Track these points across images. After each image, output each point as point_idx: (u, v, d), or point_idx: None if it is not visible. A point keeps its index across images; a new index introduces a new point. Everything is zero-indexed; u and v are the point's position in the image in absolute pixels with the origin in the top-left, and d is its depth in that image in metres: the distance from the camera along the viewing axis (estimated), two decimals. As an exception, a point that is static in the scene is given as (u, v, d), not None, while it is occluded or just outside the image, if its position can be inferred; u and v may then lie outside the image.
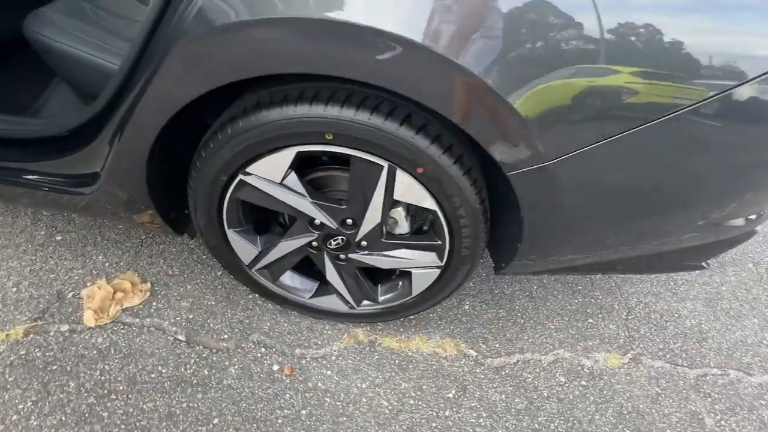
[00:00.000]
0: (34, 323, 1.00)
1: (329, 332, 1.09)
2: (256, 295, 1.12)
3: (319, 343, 1.07)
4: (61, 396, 0.89)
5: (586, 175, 0.66)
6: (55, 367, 0.94)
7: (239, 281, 1.06)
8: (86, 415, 0.87)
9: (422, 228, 0.93)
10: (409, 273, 0.94)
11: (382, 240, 0.87)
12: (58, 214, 1.24)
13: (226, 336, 1.05)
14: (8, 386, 0.89)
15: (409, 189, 0.74)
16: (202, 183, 0.80)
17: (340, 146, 0.70)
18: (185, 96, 0.68)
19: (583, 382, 1.06)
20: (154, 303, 1.09)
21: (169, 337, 1.03)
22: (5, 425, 0.84)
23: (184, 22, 0.64)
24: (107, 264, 1.16)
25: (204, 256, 1.21)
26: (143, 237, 1.24)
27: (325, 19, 0.55)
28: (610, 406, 1.02)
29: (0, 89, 1.19)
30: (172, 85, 0.68)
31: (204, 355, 1.00)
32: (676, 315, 1.25)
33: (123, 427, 0.87)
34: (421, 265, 0.90)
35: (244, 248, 0.93)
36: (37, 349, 0.96)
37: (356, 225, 0.84)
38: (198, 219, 0.89)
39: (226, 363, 1.00)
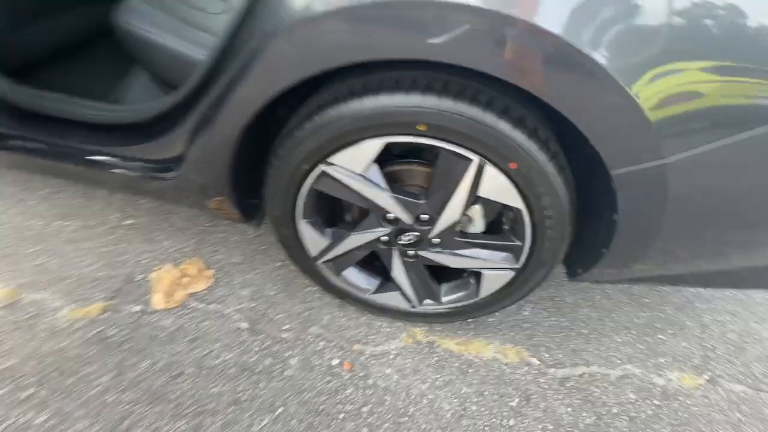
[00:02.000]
0: (109, 302, 1.04)
1: (387, 330, 1.08)
2: (314, 288, 1.12)
3: (378, 340, 1.05)
4: (134, 375, 0.92)
5: (699, 177, 0.62)
6: (128, 346, 0.97)
7: (302, 272, 1.07)
8: (158, 394, 0.89)
9: (498, 226, 0.90)
10: (479, 273, 0.91)
11: (456, 238, 0.85)
12: (128, 199, 1.30)
13: (286, 327, 1.05)
14: (87, 362, 0.93)
15: (496, 186, 0.72)
16: (283, 172, 0.81)
17: (432, 138, 0.68)
18: (277, 87, 0.68)
19: (656, 402, 1.00)
20: (218, 290, 1.11)
21: (232, 324, 1.04)
22: (85, 399, 0.87)
23: (281, 10, 0.64)
24: (173, 249, 1.19)
25: (263, 247, 1.23)
26: (206, 224, 1.27)
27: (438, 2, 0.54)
28: (687, 429, 0.95)
29: (84, 76, 1.26)
30: (266, 75, 0.68)
31: (266, 344, 1.01)
32: (756, 337, 1.15)
33: (193, 408, 0.88)
34: (495, 266, 0.87)
35: (314, 240, 0.93)
36: (112, 328, 0.99)
37: (432, 221, 0.82)
38: (272, 207, 0.90)
39: (287, 354, 1.00)
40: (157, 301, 1.06)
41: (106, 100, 1.15)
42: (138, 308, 1.04)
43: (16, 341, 0.94)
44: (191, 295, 1.09)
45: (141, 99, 1.09)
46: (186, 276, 1.12)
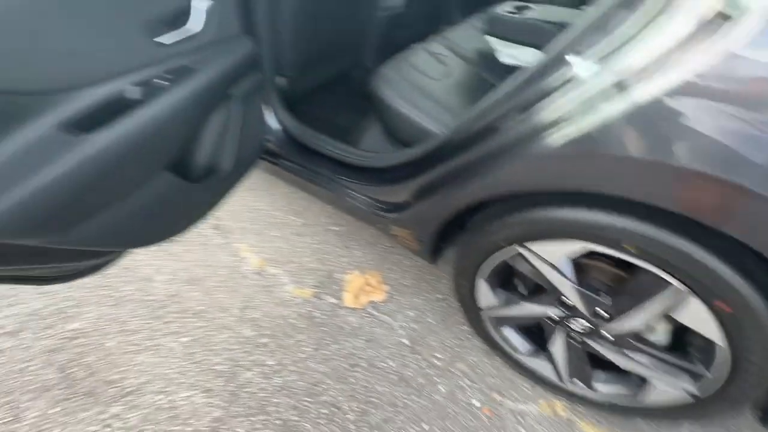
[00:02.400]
0: (316, 290, 1.40)
1: (528, 391, 1.16)
2: (469, 329, 1.27)
3: (518, 397, 1.14)
4: (327, 353, 1.23)
5: None
6: (324, 329, 1.29)
7: (464, 314, 1.23)
8: (341, 376, 1.18)
9: (683, 341, 0.88)
10: (648, 380, 0.91)
11: (631, 341, 0.88)
12: (336, 210, 1.66)
13: (439, 355, 1.23)
14: (299, 331, 1.28)
15: (695, 314, 0.73)
16: (481, 241, 0.97)
17: (636, 257, 0.74)
18: (518, 189, 0.83)
19: None
20: (390, 304, 1.36)
21: (397, 338, 1.27)
22: (296, 359, 1.21)
23: (551, 136, 0.73)
24: (362, 259, 1.49)
25: (430, 277, 1.44)
26: (388, 245, 1.54)
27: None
28: None
29: (332, 110, 1.67)
30: (511, 177, 0.82)
31: (422, 364, 1.21)
32: None
33: (361, 395, 1.14)
34: (669, 383, 0.87)
35: (486, 296, 1.07)
36: (316, 311, 1.34)
37: (611, 320, 0.87)
38: (459, 261, 1.07)
39: (437, 380, 1.18)
40: (347, 299, 1.36)
41: (347, 137, 1.51)
42: (334, 301, 1.37)
43: (261, 300, 1.35)
44: (371, 302, 1.36)
45: (374, 145, 1.40)
46: (369, 285, 1.40)
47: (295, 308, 1.34)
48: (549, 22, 1.40)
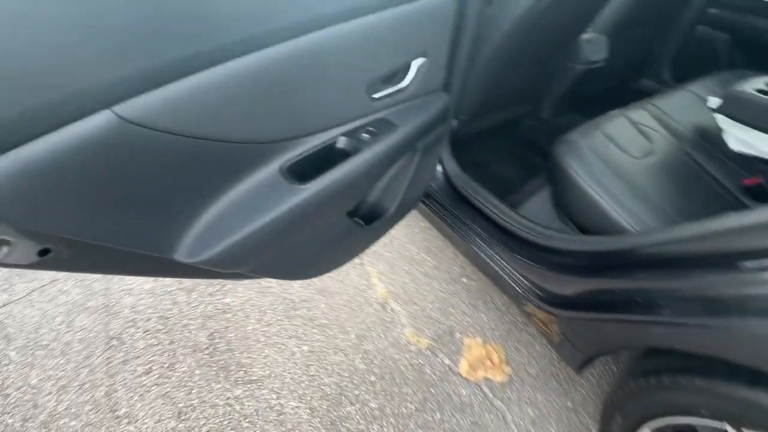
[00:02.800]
0: (432, 343, 1.34)
1: None
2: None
3: None
4: (429, 419, 1.16)
5: None
6: (432, 391, 1.22)
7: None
8: (439, 450, 1.10)
9: None
10: None
11: None
12: (468, 261, 1.58)
13: (554, 477, 1.05)
14: (407, 382, 1.24)
15: None
16: (667, 394, 0.77)
17: None
18: (739, 357, 0.64)
19: None
20: (508, 391, 1.22)
21: (508, 433, 1.13)
22: (397, 413, 1.18)
23: None
24: (487, 326, 1.38)
25: (563, 376, 1.24)
26: (519, 318, 1.39)
27: None
28: None
29: (494, 160, 1.59)
30: (734, 338, 0.64)
31: (531, 479, 1.05)
32: None
33: (457, 487, 1.04)
34: None
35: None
36: (428, 366, 1.28)
37: None
38: (624, 395, 0.87)
39: (546, 507, 1.00)
40: (463, 367, 1.27)
41: (509, 196, 1.42)
42: (448, 362, 1.29)
43: (378, 334, 1.36)
44: (487, 379, 1.24)
45: (539, 213, 1.28)
46: (489, 360, 1.28)
47: (408, 356, 1.30)
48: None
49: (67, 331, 1.29)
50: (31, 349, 1.24)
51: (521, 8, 1.12)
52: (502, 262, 1.16)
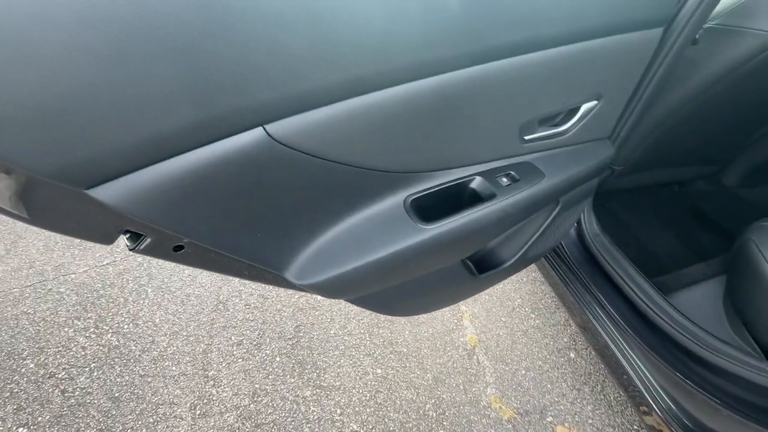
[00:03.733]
0: (516, 415, 1.16)
1: None
2: None
3: None
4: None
5: None
6: (505, 473, 1.06)
7: None
8: None
9: None
10: None
11: None
12: (582, 334, 1.34)
13: None
14: (478, 451, 1.10)
15: None
16: None
17: None
18: None
19: None
20: None
21: None
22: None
23: None
24: (590, 421, 1.14)
25: None
26: (632, 427, 1.12)
27: None
28: None
29: (644, 227, 1.32)
30: None
31: None
32: None
33: None
34: None
35: None
36: (506, 443, 1.11)
37: None
38: None
39: None
40: (548, 460, 1.07)
41: (658, 273, 1.14)
42: (532, 447, 1.10)
43: (457, 383, 1.24)
44: (576, 487, 1.02)
45: (696, 308, 1.00)
46: (584, 464, 1.05)
47: (486, 422, 1.15)
48: None
49: (191, 285, 1.48)
50: (162, 291, 1.46)
51: (739, 53, 0.88)
52: (632, 356, 0.93)
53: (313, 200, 0.50)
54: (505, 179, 0.70)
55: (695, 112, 1.04)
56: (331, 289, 0.55)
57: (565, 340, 1.34)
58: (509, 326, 1.39)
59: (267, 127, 0.40)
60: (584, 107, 0.72)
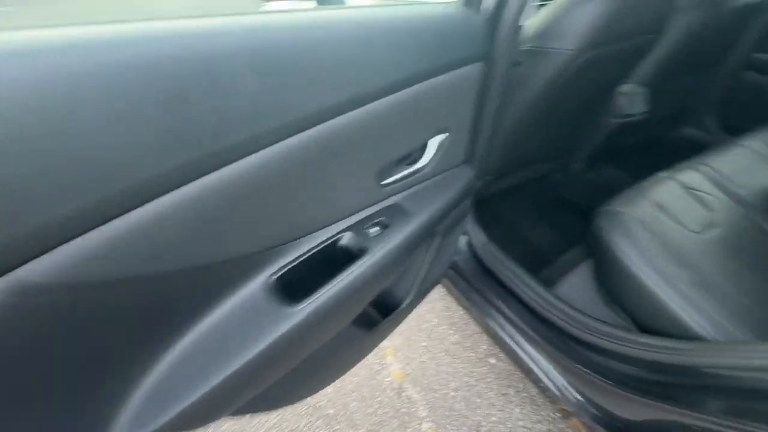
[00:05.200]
0: (455, 444, 1.14)
1: None
2: None
3: None
4: None
5: None
6: None
7: None
8: None
9: None
10: None
11: None
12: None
13: None
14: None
15: None
16: None
17: None
18: None
19: None
20: None
21: None
22: None
23: None
24: (520, 420, 1.17)
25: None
26: (555, 415, 1.18)
27: None
28: None
29: (521, 222, 1.44)
30: None
31: None
32: None
33: None
34: None
35: None
36: (451, 477, 1.08)
37: None
38: None
39: None
40: (493, 479, 1.06)
41: (543, 265, 1.24)
42: (475, 472, 1.08)
43: (392, 429, 1.18)
44: (523, 498, 1.03)
45: (578, 293, 1.10)
46: (525, 470, 1.07)
47: (427, 460, 1.11)
48: None
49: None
50: None
51: (553, 69, 1.01)
52: (533, 353, 0.97)
53: (127, 332, 0.40)
54: (374, 229, 0.67)
55: (534, 120, 1.17)
56: (186, 421, 0.44)
57: (484, 347, 1.38)
58: (431, 350, 1.38)
59: (19, 272, 0.30)
60: (434, 142, 0.74)
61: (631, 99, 1.44)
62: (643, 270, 0.89)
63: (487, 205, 1.51)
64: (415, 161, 0.73)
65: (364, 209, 0.66)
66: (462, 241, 1.23)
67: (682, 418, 0.66)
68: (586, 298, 1.07)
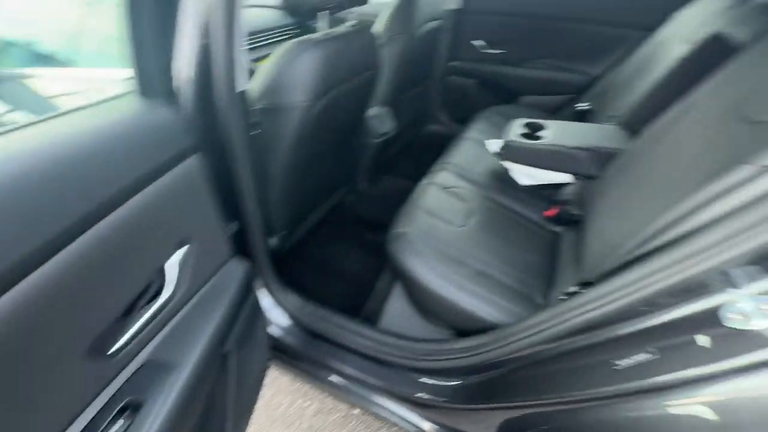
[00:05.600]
0: None
1: None
2: None
3: None
4: None
5: None
6: None
7: None
8: None
9: None
10: None
11: None
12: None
13: None
14: None
15: None
16: None
17: None
18: None
19: None
20: None
21: None
22: None
23: None
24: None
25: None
26: None
27: None
28: None
29: (330, 258, 1.42)
30: None
31: None
32: None
33: None
34: None
35: None
36: None
37: None
38: None
39: None
40: None
41: (365, 298, 1.24)
42: None
43: None
44: None
45: (398, 318, 1.14)
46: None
47: None
48: (570, 147, 1.25)
49: None
50: None
51: (296, 121, 0.98)
52: (383, 399, 0.96)
53: None
54: (119, 423, 0.48)
55: (301, 166, 1.14)
56: None
57: (343, 404, 1.31)
58: (293, 435, 1.23)
59: None
60: (173, 263, 0.59)
61: (380, 119, 1.61)
62: (431, 280, 0.96)
63: (295, 255, 1.44)
64: (154, 300, 0.56)
65: (88, 406, 0.46)
66: (279, 316, 1.12)
67: (524, 410, 0.73)
68: (411, 320, 1.13)
